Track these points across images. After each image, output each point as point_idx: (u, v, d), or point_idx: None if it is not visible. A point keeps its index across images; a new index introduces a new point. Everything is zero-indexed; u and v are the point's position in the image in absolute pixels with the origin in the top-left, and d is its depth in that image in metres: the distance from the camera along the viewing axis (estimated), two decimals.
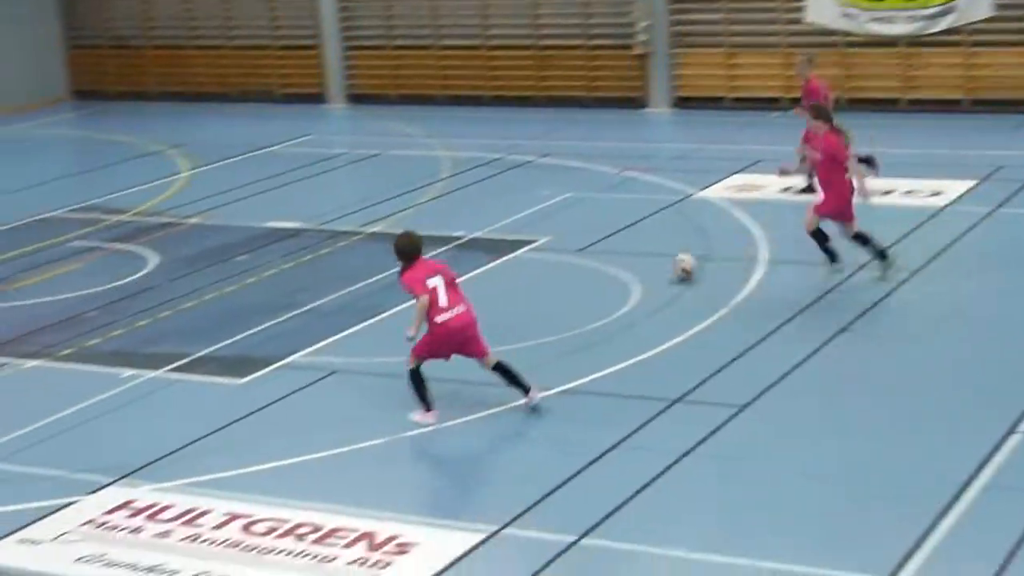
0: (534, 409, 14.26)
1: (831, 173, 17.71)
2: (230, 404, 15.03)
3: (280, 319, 17.53)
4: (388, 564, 11.51)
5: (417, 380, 14.30)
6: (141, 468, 13.49)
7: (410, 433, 13.94)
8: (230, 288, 19.03)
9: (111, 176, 26.47)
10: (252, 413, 14.78)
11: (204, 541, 12.06)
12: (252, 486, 12.95)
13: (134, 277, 19.72)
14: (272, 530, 12.16)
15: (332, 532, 12.07)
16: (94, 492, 13.04)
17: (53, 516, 12.61)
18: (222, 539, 12.07)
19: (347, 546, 11.83)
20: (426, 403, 14.32)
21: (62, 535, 12.30)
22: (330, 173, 25.86)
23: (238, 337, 17.01)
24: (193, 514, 12.52)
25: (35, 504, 12.84)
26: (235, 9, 33.30)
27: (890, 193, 21.40)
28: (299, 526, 12.19)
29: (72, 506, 12.79)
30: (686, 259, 17.98)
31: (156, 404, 15.24)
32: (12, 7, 33.38)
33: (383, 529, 12.03)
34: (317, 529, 12.13)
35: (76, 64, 34.84)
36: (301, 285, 18.96)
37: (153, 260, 20.45)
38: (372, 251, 20.13)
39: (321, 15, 32.39)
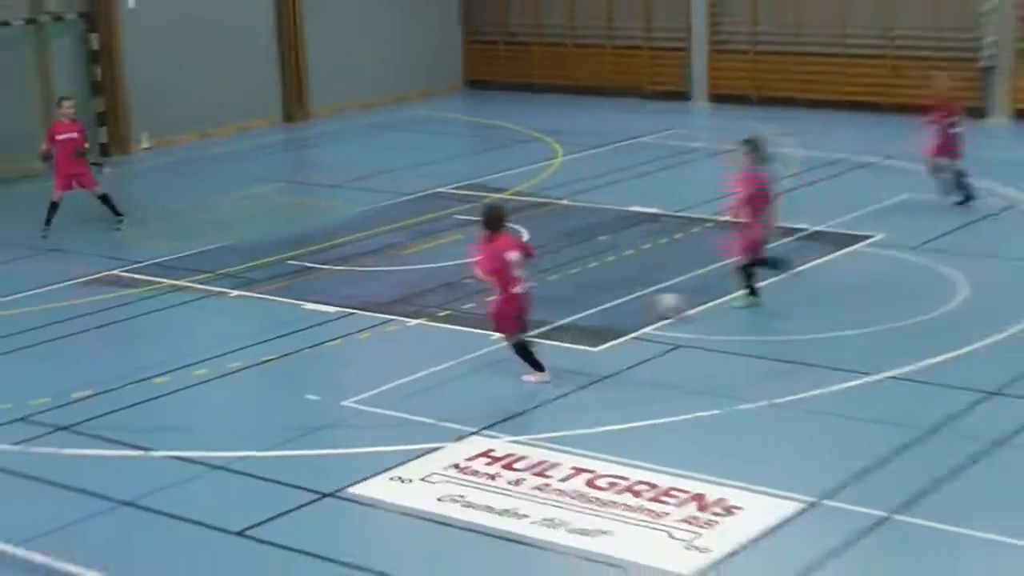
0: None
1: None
2: (584, 369, 15.16)
3: (635, 295, 17.57)
4: (715, 524, 11.49)
5: (521, 350, 14.67)
6: (501, 421, 13.75)
7: (744, 407, 13.85)
8: (592, 264, 19.18)
9: (495, 158, 26.91)
10: (602, 379, 14.88)
11: (552, 491, 12.21)
12: (597, 445, 13.06)
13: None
14: (613, 485, 12.25)
15: (667, 491, 12.09)
16: (459, 440, 13.34)
17: (422, 458, 12.95)
18: (568, 490, 12.21)
19: (679, 505, 11.84)
20: (536, 365, 14.68)
21: (428, 476, 12.63)
22: (689, 165, 25.78)
23: (596, 309, 17.14)
24: (544, 466, 12.70)
25: (407, 447, 13.20)
26: (615, 12, 33.44)
27: None
28: (637, 484, 12.25)
29: (439, 451, 13.10)
30: (669, 299, 16.27)
31: (517, 365, 15.43)
32: (421, 6, 34.20)
33: (713, 492, 12.00)
34: (653, 487, 12.17)
35: (472, 57, 35.50)
36: (657, 265, 18.98)
37: (525, 235, 20.63)
38: (722, 238, 19.98)
39: (692, 20, 32.31)
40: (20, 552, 11.50)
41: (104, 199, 21.85)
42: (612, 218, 21.65)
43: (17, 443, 13.68)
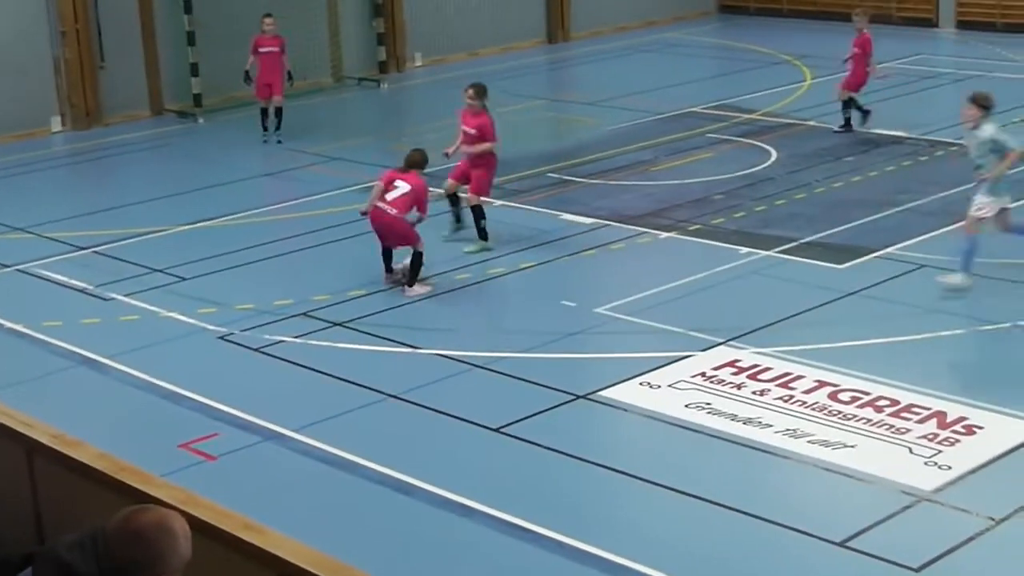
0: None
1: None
2: (828, 286, 14.64)
3: (879, 215, 16.92)
4: (955, 442, 10.95)
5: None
6: (747, 333, 13.33)
7: (986, 328, 13.20)
8: (837, 184, 18.51)
9: (744, 80, 26.21)
10: (846, 296, 14.35)
11: (795, 402, 11.81)
12: (840, 359, 12.58)
13: (757, 168, 19.47)
14: (855, 399, 11.79)
15: (907, 407, 11.59)
16: (706, 350, 12.98)
17: (670, 366, 12.64)
18: (811, 402, 11.79)
19: (920, 421, 11.33)
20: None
21: (676, 382, 12.32)
22: (933, 90, 24.73)
23: (841, 228, 16.53)
24: (788, 378, 12.28)
25: (657, 354, 12.91)
26: None
27: None
28: (879, 399, 11.77)
29: (687, 359, 12.77)
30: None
31: (765, 280, 15.03)
32: None
33: (953, 410, 11.44)
34: (894, 403, 11.68)
35: None
36: (900, 187, 18.24)
37: (774, 155, 20.13)
38: (965, 162, 19.10)
39: None
40: (298, 436, 11.57)
41: (278, 112, 22.25)
42: (858, 140, 20.87)
43: (299, 336, 13.78)
